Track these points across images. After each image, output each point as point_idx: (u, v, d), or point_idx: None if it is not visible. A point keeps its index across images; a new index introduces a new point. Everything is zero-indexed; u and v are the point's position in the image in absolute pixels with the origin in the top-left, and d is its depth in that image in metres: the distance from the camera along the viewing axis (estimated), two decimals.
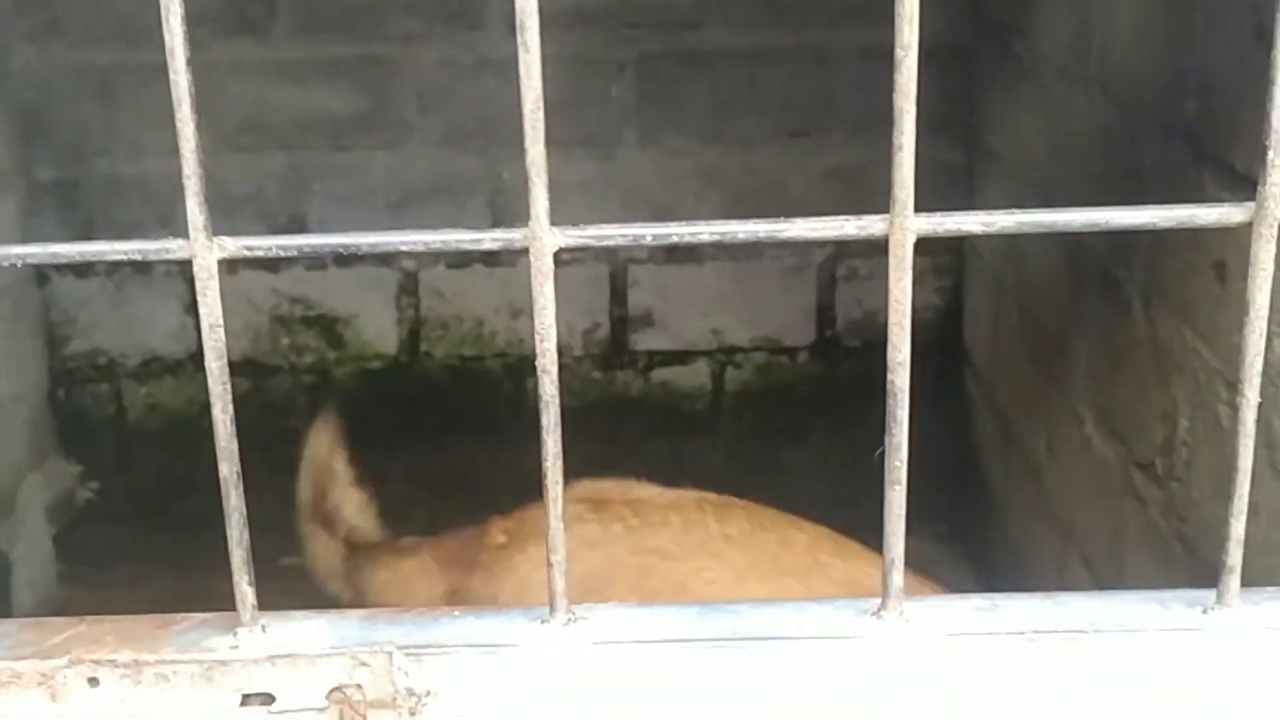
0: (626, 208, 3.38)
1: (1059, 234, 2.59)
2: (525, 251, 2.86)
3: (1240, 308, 1.75)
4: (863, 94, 3.26)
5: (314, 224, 3.37)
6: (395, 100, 3.35)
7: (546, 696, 0.79)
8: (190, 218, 0.77)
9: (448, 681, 0.79)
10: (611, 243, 0.75)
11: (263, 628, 0.80)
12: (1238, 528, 0.77)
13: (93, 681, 0.78)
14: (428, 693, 0.79)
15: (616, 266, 3.48)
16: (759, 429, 3.58)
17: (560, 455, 0.77)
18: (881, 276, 2.92)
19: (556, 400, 0.76)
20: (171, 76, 0.71)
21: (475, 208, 3.43)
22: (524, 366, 3.55)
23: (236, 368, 3.55)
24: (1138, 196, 2.26)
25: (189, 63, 0.72)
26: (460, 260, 3.47)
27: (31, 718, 0.78)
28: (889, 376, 0.76)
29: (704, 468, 2.99)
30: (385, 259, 3.43)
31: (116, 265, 3.42)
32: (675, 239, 0.75)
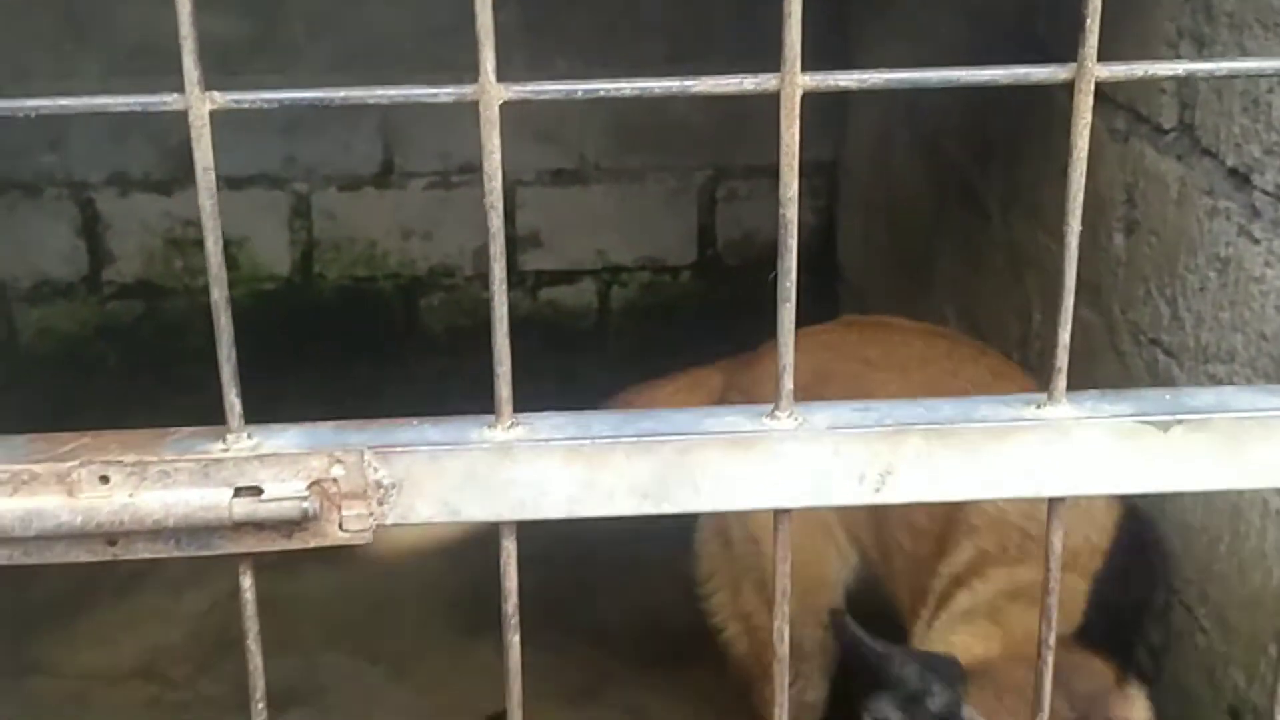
0: (516, 129, 3.48)
1: (925, 152, 2.79)
2: (415, 174, 3.06)
3: (1088, 207, 1.97)
4: (741, 22, 3.41)
5: None
6: (283, 26, 3.41)
7: (491, 486, 0.94)
8: (186, 73, 0.89)
9: (410, 475, 0.93)
10: (549, 98, 0.89)
11: (249, 435, 0.92)
12: (1064, 335, 0.94)
13: (104, 479, 0.90)
14: (393, 485, 0.93)
15: (505, 189, 3.58)
16: (643, 345, 3.74)
17: (505, 281, 0.91)
18: (759, 198, 3.19)
19: (501, 233, 0.90)
20: None
21: (366, 131, 3.52)
22: (415, 287, 3.65)
23: (131, 290, 3.61)
24: (996, 116, 2.45)
25: None
26: (352, 183, 3.56)
27: (51, 511, 0.90)
28: (780, 210, 0.91)
29: (590, 383, 3.14)
30: (277, 182, 3.51)
31: (5, 189, 3.44)
32: (602, 93, 0.89)
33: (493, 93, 0.90)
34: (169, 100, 0.92)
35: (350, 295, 3.62)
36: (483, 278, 3.65)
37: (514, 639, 0.98)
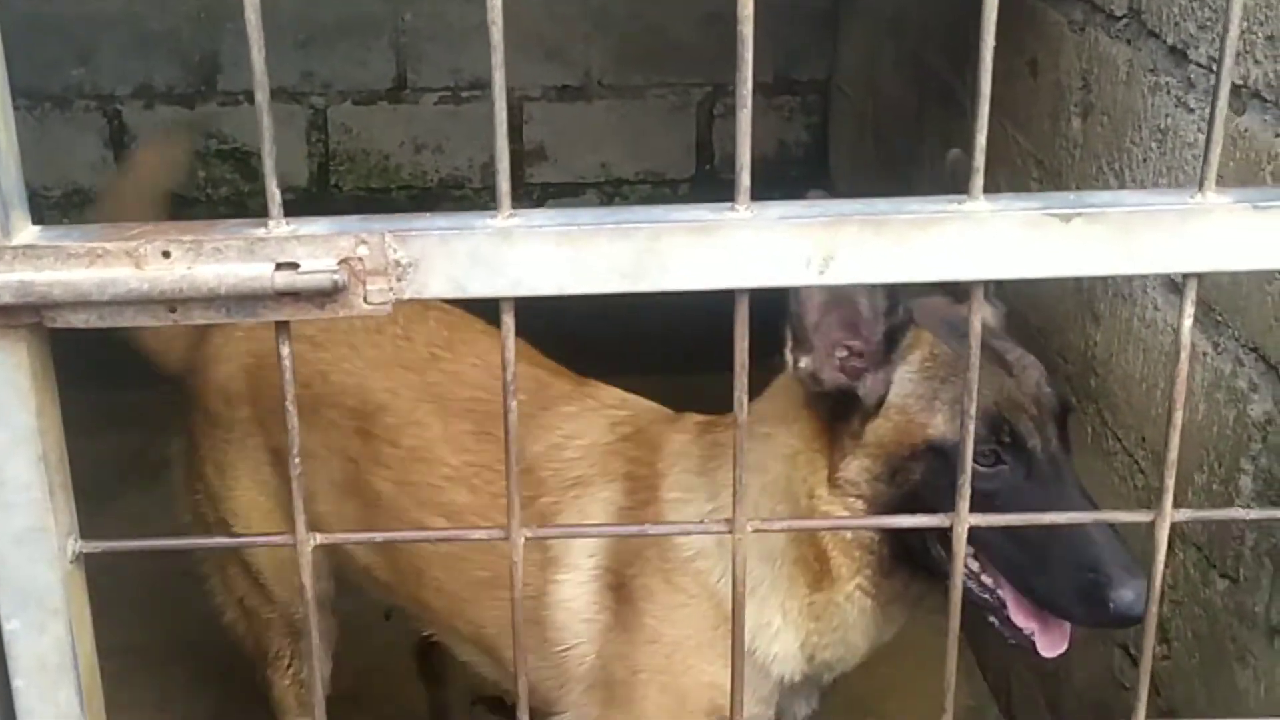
0: (522, 48, 3.64)
1: (909, 63, 2.95)
2: (427, 89, 3.26)
3: (1049, 96, 2.13)
4: None
5: (226, 62, 3.58)
6: None
7: (494, 265, 1.11)
8: None
9: (424, 255, 1.10)
10: None
11: (287, 222, 1.09)
12: (980, 139, 1.10)
13: (165, 254, 1.07)
14: (410, 264, 1.10)
15: (513, 104, 3.75)
16: None
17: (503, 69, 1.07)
18: (755, 114, 3.34)
19: (502, 78, 1.06)
20: None
21: (380, 49, 3.67)
22: (426, 198, 3.81)
23: None
24: (974, 23, 2.59)
25: None
26: (366, 98, 3.71)
27: (123, 279, 1.07)
28: (738, 29, 1.07)
29: None
30: (296, 96, 3.66)
31: (36, 101, 3.60)
32: None
33: None
34: None
35: (364, 206, 3.79)
36: (490, 189, 3.81)
37: (512, 404, 1.15)
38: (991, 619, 1.59)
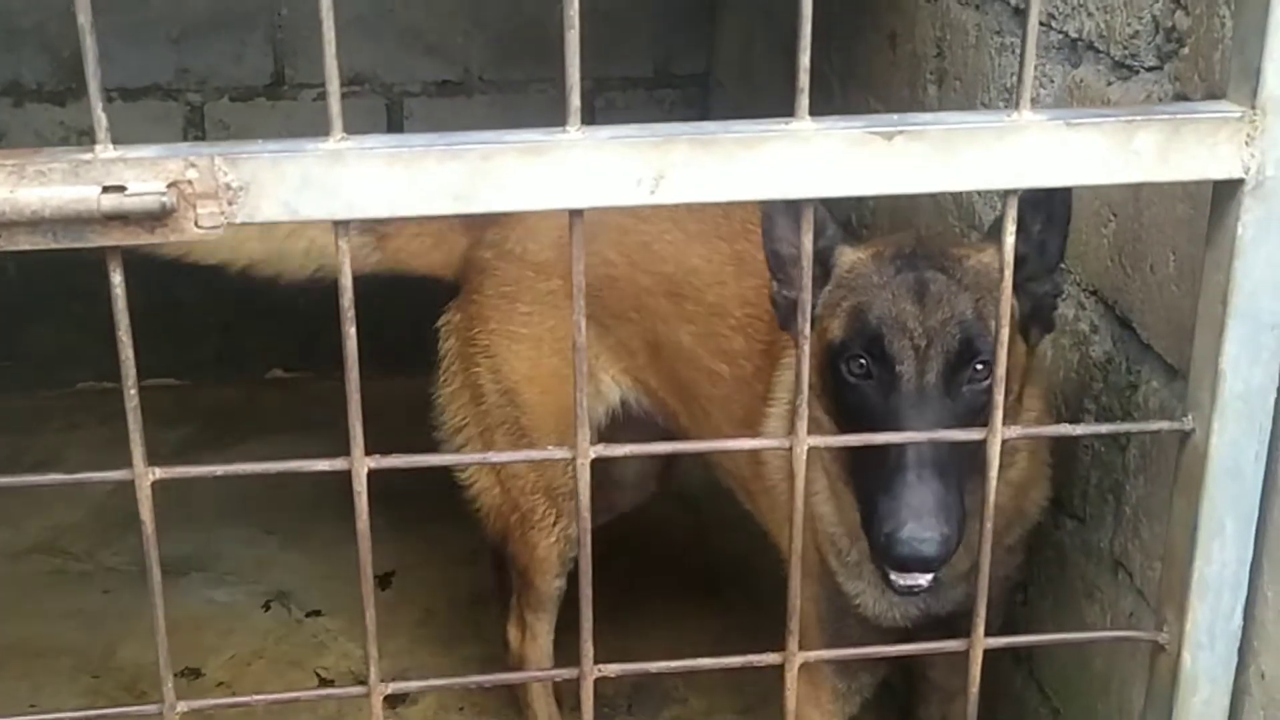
0: (401, 43, 3.64)
1: (783, 51, 2.97)
2: (306, 85, 3.22)
3: (907, 66, 2.16)
4: None
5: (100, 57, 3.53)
6: None
7: (325, 187, 1.11)
8: None
9: (255, 178, 1.09)
10: None
11: (114, 147, 1.09)
12: (804, 59, 1.13)
13: None
14: (241, 187, 1.10)
15: (392, 99, 3.74)
16: None
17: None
18: (636, 108, 3.42)
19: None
20: None
21: (256, 42, 3.64)
22: None
23: None
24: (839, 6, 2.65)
25: None
26: (244, 94, 3.68)
27: None
28: None
29: None
30: (171, 93, 3.62)
31: None
32: None
33: None
34: None
35: None
36: None
37: (350, 330, 1.16)
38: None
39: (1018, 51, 1.87)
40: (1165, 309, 1.52)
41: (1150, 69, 1.55)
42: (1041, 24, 1.82)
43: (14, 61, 3.53)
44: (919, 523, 1.44)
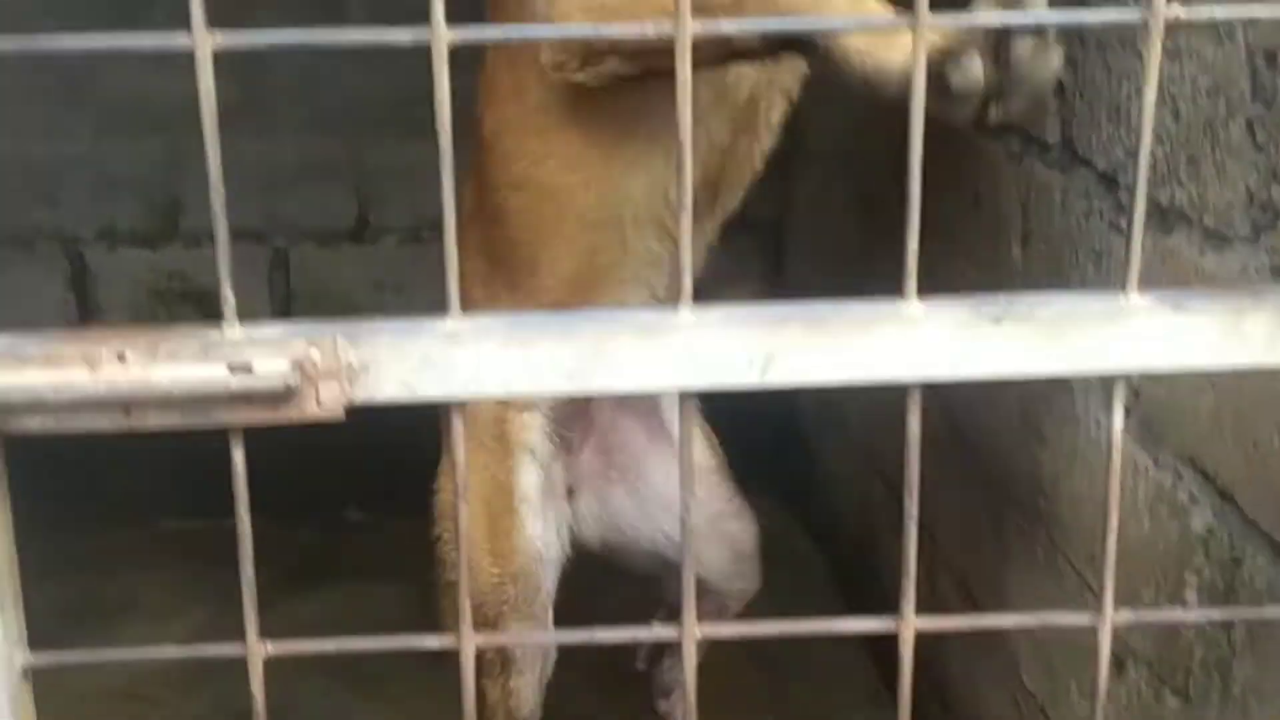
0: None
1: (859, 200, 2.97)
2: (388, 230, 3.30)
3: (991, 225, 2.14)
4: None
5: (190, 204, 3.64)
6: (266, 88, 3.65)
7: (443, 368, 1.14)
8: (194, 15, 1.09)
9: (375, 358, 1.13)
10: (494, 40, 1.10)
11: (241, 326, 1.12)
12: (913, 244, 1.14)
13: (121, 357, 1.10)
14: (362, 367, 1.13)
15: None
16: None
17: (452, 174, 1.11)
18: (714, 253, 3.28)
19: (450, 149, 1.10)
20: None
21: (343, 189, 3.74)
22: None
23: None
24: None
25: None
26: (328, 239, 3.77)
27: (75, 384, 1.09)
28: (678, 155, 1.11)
29: None
30: (258, 237, 3.72)
31: None
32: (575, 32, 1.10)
33: (442, 34, 1.11)
34: (178, 38, 1.12)
35: None
36: None
37: (465, 508, 1.17)
38: None
39: (1105, 217, 1.89)
40: (1270, 485, 1.50)
41: (1245, 239, 1.55)
42: (1129, 190, 1.83)
43: (109, 207, 3.64)
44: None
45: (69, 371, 1.10)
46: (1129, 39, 1.79)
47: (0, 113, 3.53)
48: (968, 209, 2.40)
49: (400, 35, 1.11)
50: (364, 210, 3.75)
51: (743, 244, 3.88)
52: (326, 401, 1.14)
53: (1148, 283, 1.30)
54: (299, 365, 1.12)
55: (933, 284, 2.17)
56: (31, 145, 3.52)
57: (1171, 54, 1.62)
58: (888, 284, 2.70)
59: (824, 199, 3.45)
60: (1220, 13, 1.29)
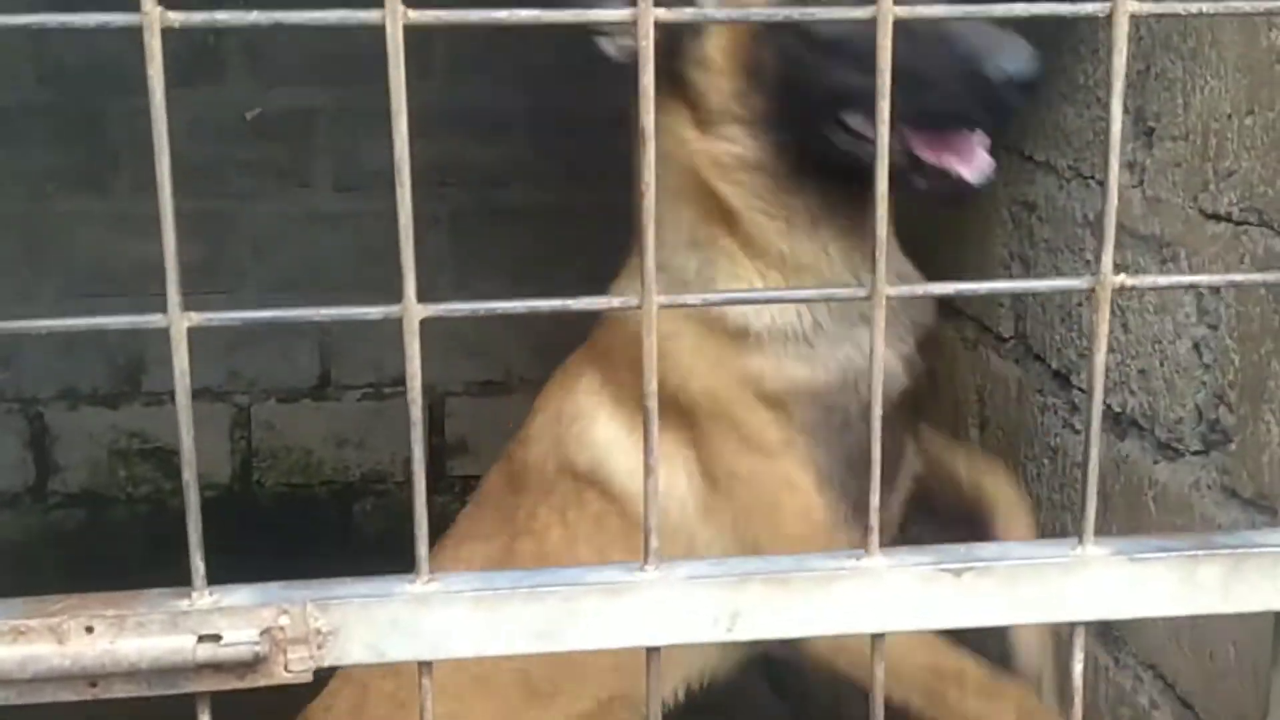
0: (445, 345, 3.75)
1: None
2: (350, 386, 3.32)
3: (949, 408, 2.18)
4: None
5: (152, 363, 3.64)
6: (231, 250, 3.68)
7: (411, 631, 1.15)
8: (170, 297, 1.11)
9: (344, 623, 1.13)
10: (464, 313, 1.13)
11: (210, 592, 1.13)
12: (874, 500, 1.17)
13: (89, 629, 1.10)
14: (330, 631, 1.13)
15: (435, 399, 3.83)
16: None
17: (424, 443, 1.13)
18: None
19: (420, 426, 1.12)
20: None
21: (305, 348, 3.76)
22: (349, 493, 3.84)
23: (75, 499, 3.77)
24: None
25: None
26: (290, 395, 3.78)
27: (44, 656, 1.09)
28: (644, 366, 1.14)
29: None
30: (220, 395, 3.72)
31: None
32: (501, 311, 1.13)
33: (413, 310, 1.14)
34: (156, 319, 1.14)
35: (286, 502, 3.80)
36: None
37: None
38: (909, 177, 1.48)
39: (1059, 413, 1.93)
40: (1228, 697, 1.52)
41: (1196, 453, 1.59)
42: (1082, 391, 1.88)
43: (70, 367, 3.64)
44: (999, 40, 1.35)
45: (36, 646, 1.10)
46: (1078, 248, 1.84)
47: None
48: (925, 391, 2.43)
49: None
50: (326, 367, 3.77)
51: None
52: (295, 667, 1.14)
53: (1103, 492, 1.33)
54: (268, 633, 1.13)
55: None
56: None
57: (1119, 268, 1.67)
58: None
59: None
60: (1164, 281, 1.34)
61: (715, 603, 1.17)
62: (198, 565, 1.12)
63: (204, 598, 1.12)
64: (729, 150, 1.60)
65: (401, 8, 1.04)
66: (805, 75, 1.49)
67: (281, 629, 1.13)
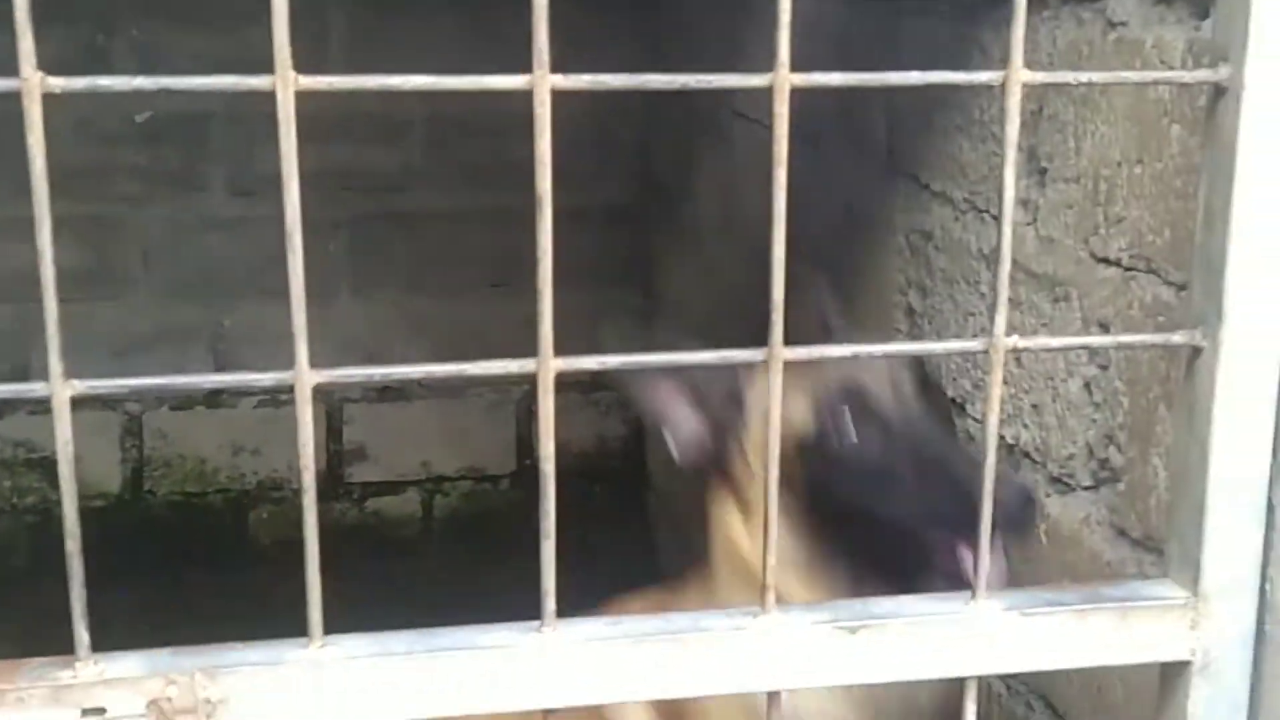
0: (341, 352, 3.70)
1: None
2: (245, 393, 3.24)
3: None
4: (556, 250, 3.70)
5: (37, 372, 3.54)
6: (119, 256, 3.59)
7: (305, 698, 1.13)
8: (51, 365, 1.08)
9: (234, 692, 1.11)
10: (358, 379, 1.11)
11: (95, 662, 1.10)
12: (770, 559, 1.17)
13: None
14: (220, 700, 1.11)
15: (332, 405, 3.79)
16: (466, 551, 3.91)
17: (316, 512, 1.11)
18: (571, 411, 3.46)
19: (310, 467, 1.10)
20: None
21: (198, 354, 3.69)
22: (245, 500, 3.78)
23: None
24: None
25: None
26: (183, 402, 3.71)
27: None
28: (541, 467, 1.13)
29: (413, 589, 3.30)
30: (110, 404, 3.64)
31: None
32: (410, 375, 1.11)
33: (305, 378, 1.11)
34: (36, 388, 1.11)
35: (179, 510, 3.74)
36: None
37: None
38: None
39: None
40: None
41: (1087, 488, 1.62)
42: (976, 421, 1.90)
43: None
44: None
45: None
46: (973, 280, 1.87)
47: None
48: None
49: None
50: (221, 372, 3.70)
51: (604, 399, 3.90)
52: None
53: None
54: (155, 703, 1.10)
55: None
56: None
57: (1014, 302, 1.70)
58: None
59: None
60: (1055, 343, 1.36)
61: (614, 665, 1.17)
62: (82, 635, 1.09)
63: (88, 667, 1.09)
64: None
65: (292, 74, 1.02)
66: (830, 487, 1.56)
67: (169, 699, 1.10)
